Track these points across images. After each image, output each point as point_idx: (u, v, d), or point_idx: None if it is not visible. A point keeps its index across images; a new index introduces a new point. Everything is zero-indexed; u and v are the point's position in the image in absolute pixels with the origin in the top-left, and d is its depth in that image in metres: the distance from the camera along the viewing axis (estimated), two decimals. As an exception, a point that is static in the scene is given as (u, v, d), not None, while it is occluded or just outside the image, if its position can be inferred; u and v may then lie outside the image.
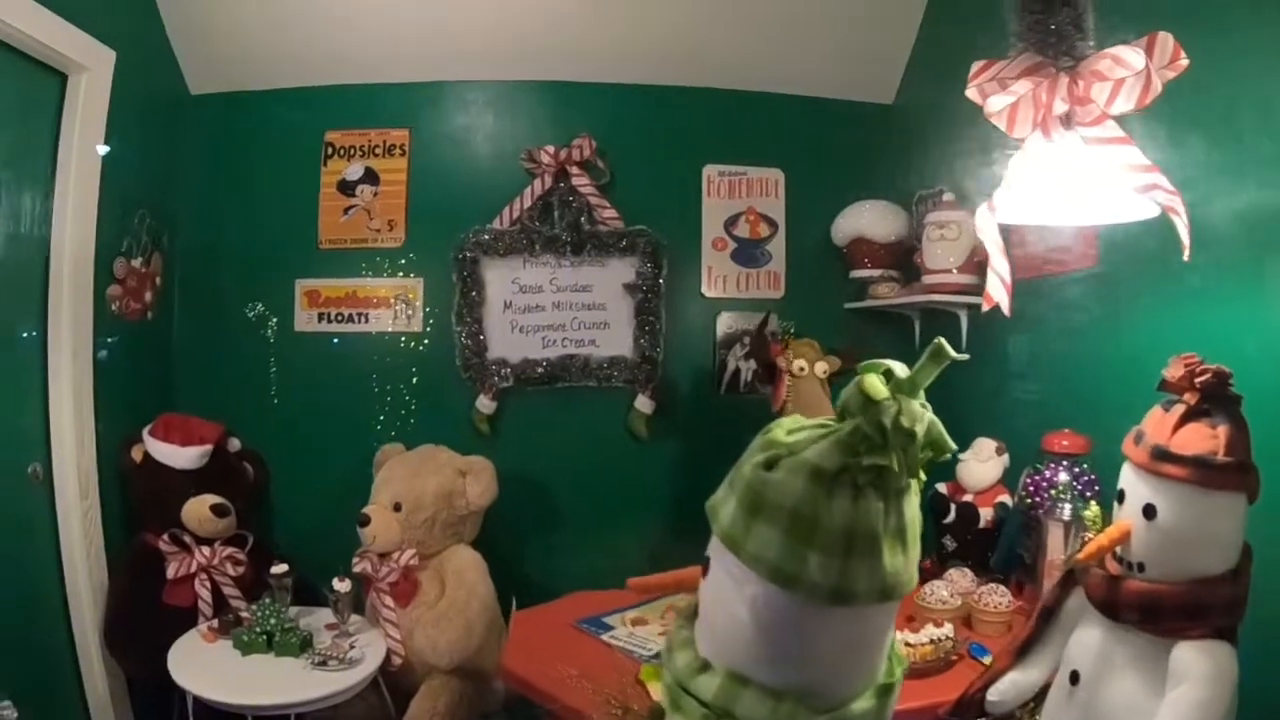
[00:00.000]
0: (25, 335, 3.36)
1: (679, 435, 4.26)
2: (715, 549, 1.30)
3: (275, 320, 4.18)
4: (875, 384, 1.17)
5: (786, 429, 1.27)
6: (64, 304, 3.44)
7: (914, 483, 1.23)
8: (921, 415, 1.18)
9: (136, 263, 3.89)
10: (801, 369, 3.48)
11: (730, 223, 4.24)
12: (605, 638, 2.76)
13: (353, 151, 4.16)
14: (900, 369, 1.19)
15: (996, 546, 3.14)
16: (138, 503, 3.78)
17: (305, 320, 4.18)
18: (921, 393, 1.20)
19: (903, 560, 1.21)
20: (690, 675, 1.30)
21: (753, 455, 1.25)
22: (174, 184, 4.14)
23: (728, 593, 1.25)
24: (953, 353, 1.18)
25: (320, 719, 3.30)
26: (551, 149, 4.07)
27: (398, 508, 3.58)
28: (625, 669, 2.49)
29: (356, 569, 3.59)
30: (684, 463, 4.27)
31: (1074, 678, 1.88)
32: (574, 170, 4.08)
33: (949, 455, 1.23)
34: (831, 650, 1.24)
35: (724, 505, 1.27)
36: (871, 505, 1.17)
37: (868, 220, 4.05)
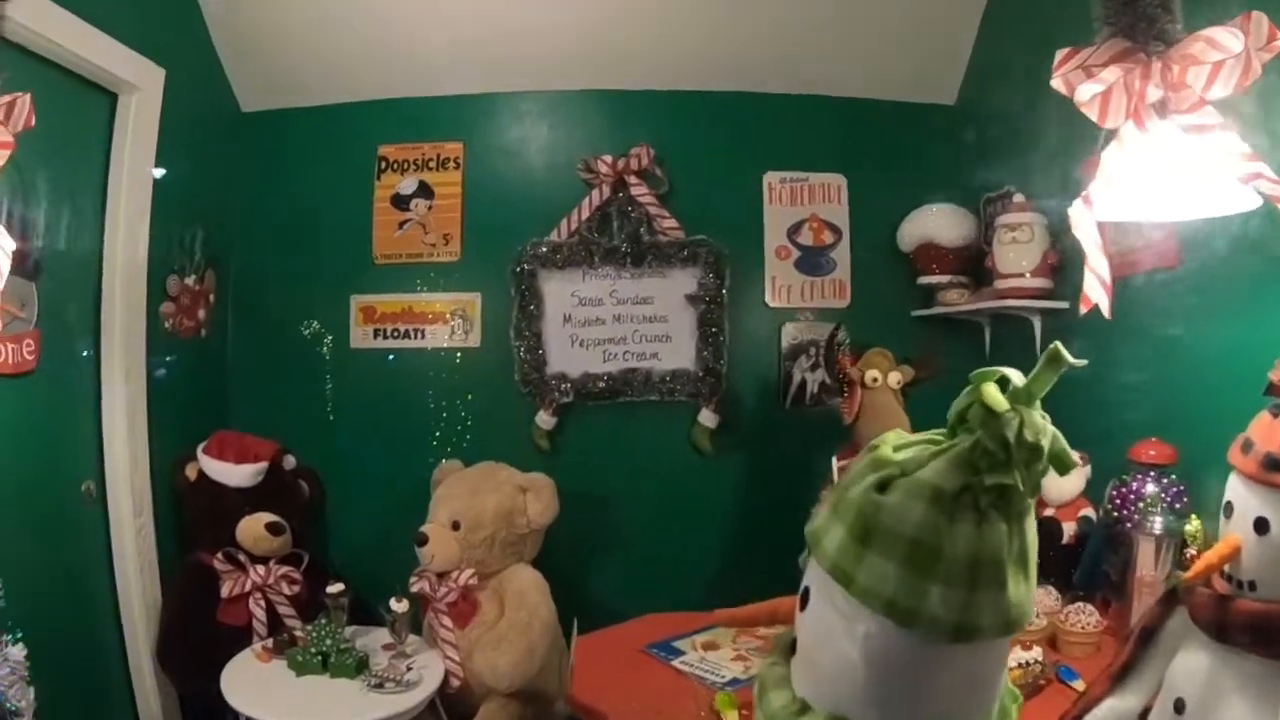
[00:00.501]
0: (79, 353, 3.34)
1: (743, 450, 4.16)
2: (817, 580, 1.19)
3: (331, 337, 4.14)
4: (996, 395, 1.06)
5: (893, 445, 1.17)
6: (117, 322, 3.43)
7: (1031, 502, 1.12)
8: (1045, 428, 1.06)
9: (190, 280, 3.88)
10: (875, 380, 3.34)
11: (793, 230, 4.13)
12: (676, 663, 2.64)
13: (406, 165, 4.11)
14: (1016, 377, 1.08)
15: (1079, 563, 2.99)
16: (192, 521, 3.76)
17: (361, 337, 4.14)
18: (1039, 403, 1.08)
19: (1025, 589, 1.11)
20: (789, 718, 1.20)
21: (861, 476, 1.15)
22: (226, 201, 4.12)
23: (834, 629, 1.15)
24: (1070, 358, 1.06)
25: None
26: (609, 158, 3.99)
27: (456, 526, 3.50)
28: (699, 697, 2.39)
29: (414, 588, 3.51)
30: (749, 478, 4.16)
31: (1179, 706, 1.70)
32: (632, 180, 4.00)
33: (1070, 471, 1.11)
34: (948, 690, 1.15)
35: (828, 532, 1.16)
36: (996, 529, 1.08)
37: (935, 224, 3.92)
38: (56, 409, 3.23)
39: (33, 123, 2.32)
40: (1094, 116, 1.86)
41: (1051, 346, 1.06)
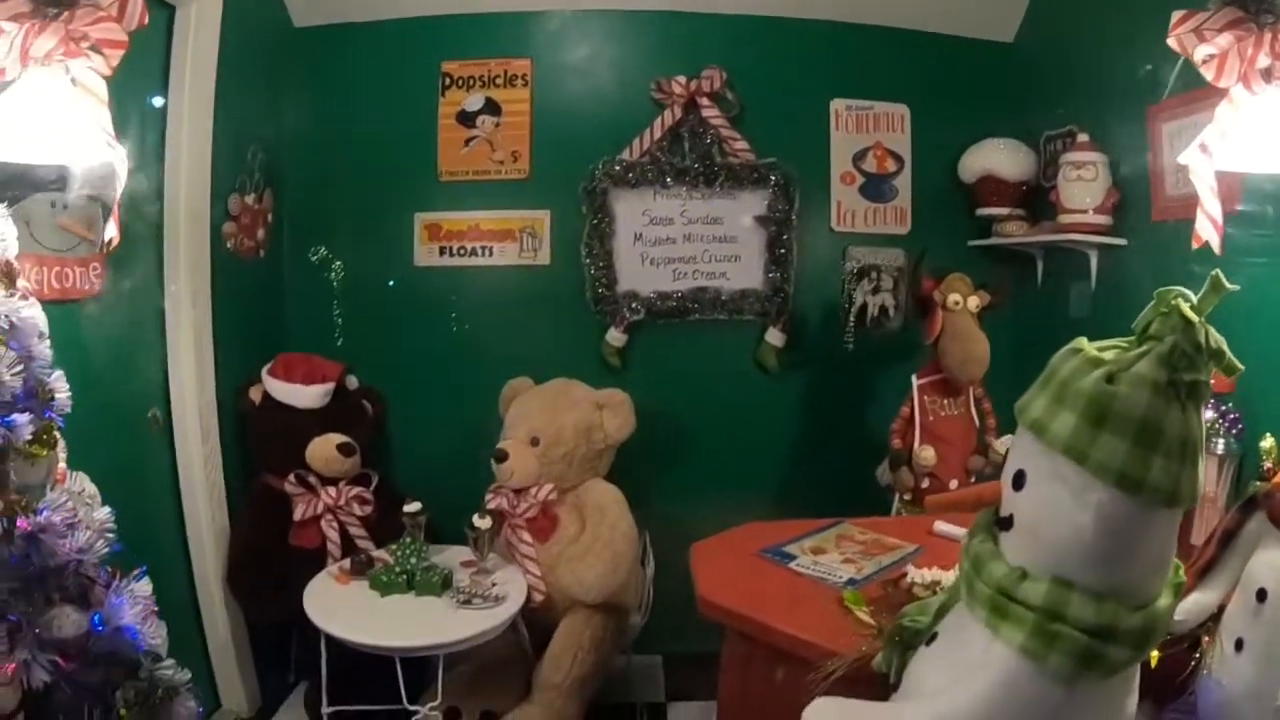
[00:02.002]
0: (144, 276, 3.16)
1: (806, 368, 4.07)
2: (1037, 462, 1.41)
3: (394, 255, 3.96)
4: (1187, 308, 1.32)
5: (1093, 347, 1.41)
6: (182, 242, 3.25)
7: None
8: (1221, 338, 1.33)
9: (250, 199, 3.69)
10: (956, 303, 3.37)
11: (858, 157, 4.00)
12: (792, 566, 2.56)
13: (472, 82, 3.89)
14: (1190, 296, 1.35)
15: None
16: (258, 445, 3.60)
17: (425, 254, 3.95)
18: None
19: (1203, 466, 1.38)
20: (1014, 583, 1.40)
21: (1082, 371, 1.36)
22: (283, 118, 3.91)
23: (1063, 502, 1.36)
24: (1228, 284, 1.33)
25: (460, 657, 3.12)
26: (683, 80, 3.82)
27: (535, 442, 3.38)
28: (823, 596, 2.36)
29: (491, 505, 3.39)
30: (812, 396, 4.08)
31: (1261, 595, 1.88)
32: (704, 102, 3.84)
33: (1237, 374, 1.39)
34: (1153, 551, 1.40)
35: (1056, 419, 1.36)
36: (1193, 415, 1.33)
37: (997, 158, 3.84)
38: (122, 334, 3.06)
39: (145, 21, 2.15)
40: (1209, 76, 2.03)
41: (1214, 273, 1.34)
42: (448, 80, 3.90)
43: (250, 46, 3.58)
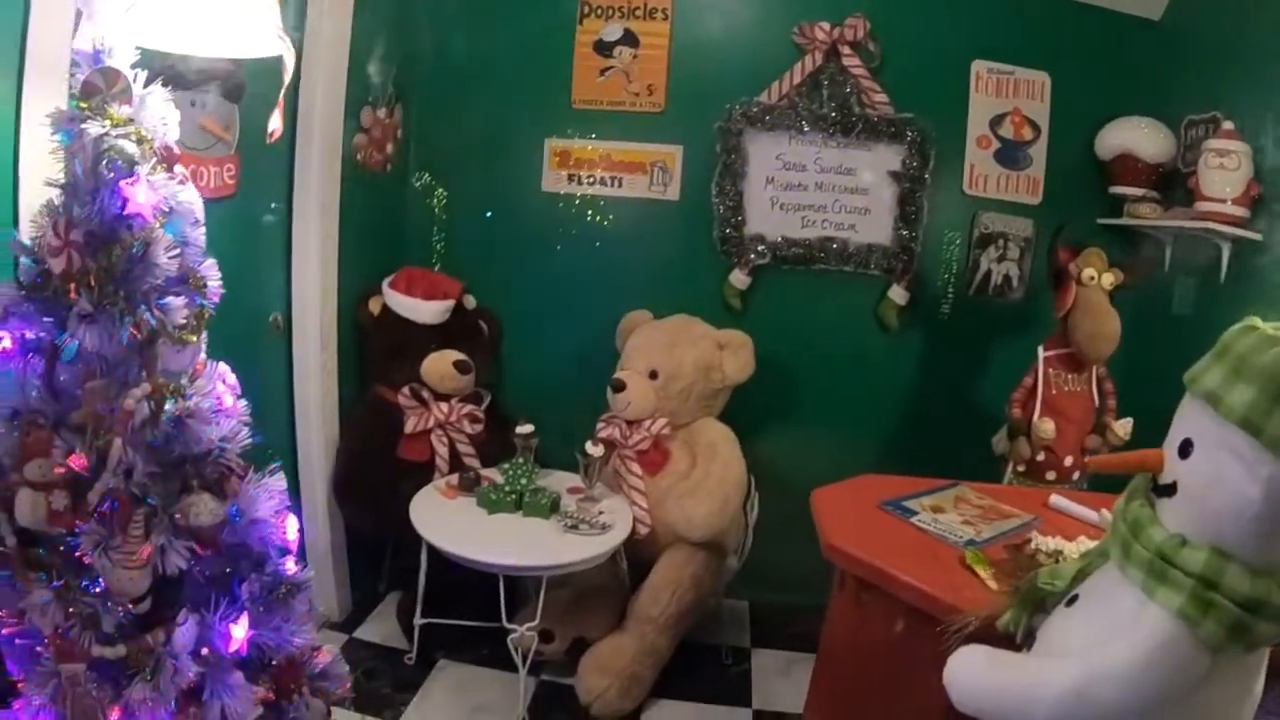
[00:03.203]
0: (272, 181, 3.10)
1: (926, 330, 3.86)
2: (1209, 432, 1.36)
3: (522, 178, 3.82)
4: None
5: (1269, 326, 1.36)
6: (314, 152, 3.17)
7: None
8: None
9: (381, 113, 3.60)
10: (1091, 278, 3.16)
11: (995, 122, 3.75)
12: (914, 522, 2.44)
13: (610, 12, 3.71)
14: None
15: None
16: (374, 356, 3.55)
17: (553, 180, 3.81)
18: None
19: None
20: (1174, 549, 1.37)
21: (1263, 347, 1.31)
22: (420, 35, 3.79)
23: (1232, 473, 1.31)
24: None
25: (556, 582, 3.04)
26: (826, 26, 3.59)
27: (653, 376, 3.28)
28: (945, 553, 2.25)
29: (603, 434, 3.31)
30: (928, 356, 3.88)
31: None
32: (845, 50, 3.61)
33: None
34: None
35: (1232, 392, 1.32)
36: None
37: (1137, 137, 3.58)
38: (250, 237, 3.02)
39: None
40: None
41: None
42: (586, 8, 3.73)
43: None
